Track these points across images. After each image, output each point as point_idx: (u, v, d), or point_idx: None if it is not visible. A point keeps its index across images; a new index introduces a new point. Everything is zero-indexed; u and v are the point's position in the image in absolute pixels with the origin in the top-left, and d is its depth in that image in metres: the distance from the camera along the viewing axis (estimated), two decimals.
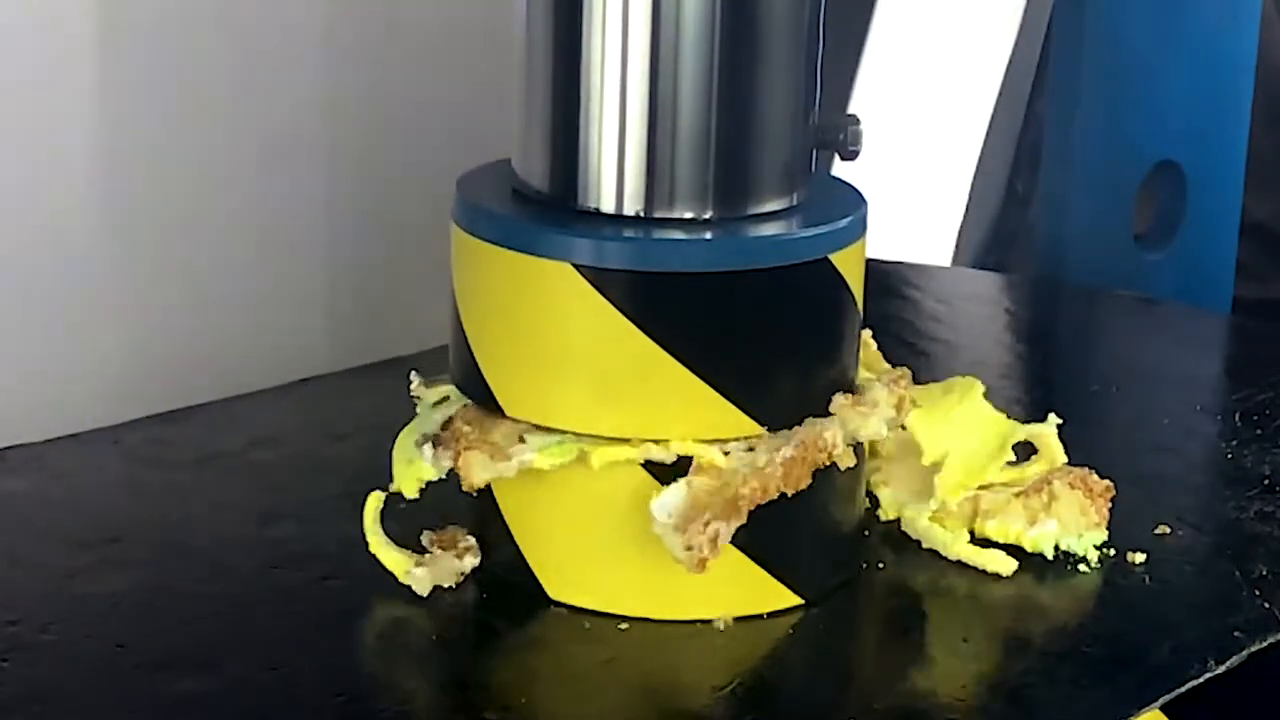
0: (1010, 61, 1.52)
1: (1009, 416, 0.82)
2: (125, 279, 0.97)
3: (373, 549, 0.75)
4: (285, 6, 1.00)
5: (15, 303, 0.94)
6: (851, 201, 0.77)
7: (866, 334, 0.81)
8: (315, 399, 0.94)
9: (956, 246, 1.55)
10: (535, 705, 0.69)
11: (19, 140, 0.92)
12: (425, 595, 0.74)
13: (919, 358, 1.02)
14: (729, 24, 0.71)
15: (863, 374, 0.78)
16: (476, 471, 0.72)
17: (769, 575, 0.73)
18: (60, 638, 0.71)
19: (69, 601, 0.74)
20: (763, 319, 0.72)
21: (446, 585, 0.75)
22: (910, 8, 1.52)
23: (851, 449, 0.74)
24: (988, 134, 1.53)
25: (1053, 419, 0.82)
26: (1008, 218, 1.56)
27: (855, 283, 0.75)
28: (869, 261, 0.77)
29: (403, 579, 0.75)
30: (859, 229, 0.75)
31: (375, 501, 0.76)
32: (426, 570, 0.74)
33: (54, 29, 0.92)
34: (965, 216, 1.55)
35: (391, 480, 0.77)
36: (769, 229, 0.73)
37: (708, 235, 0.73)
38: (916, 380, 0.78)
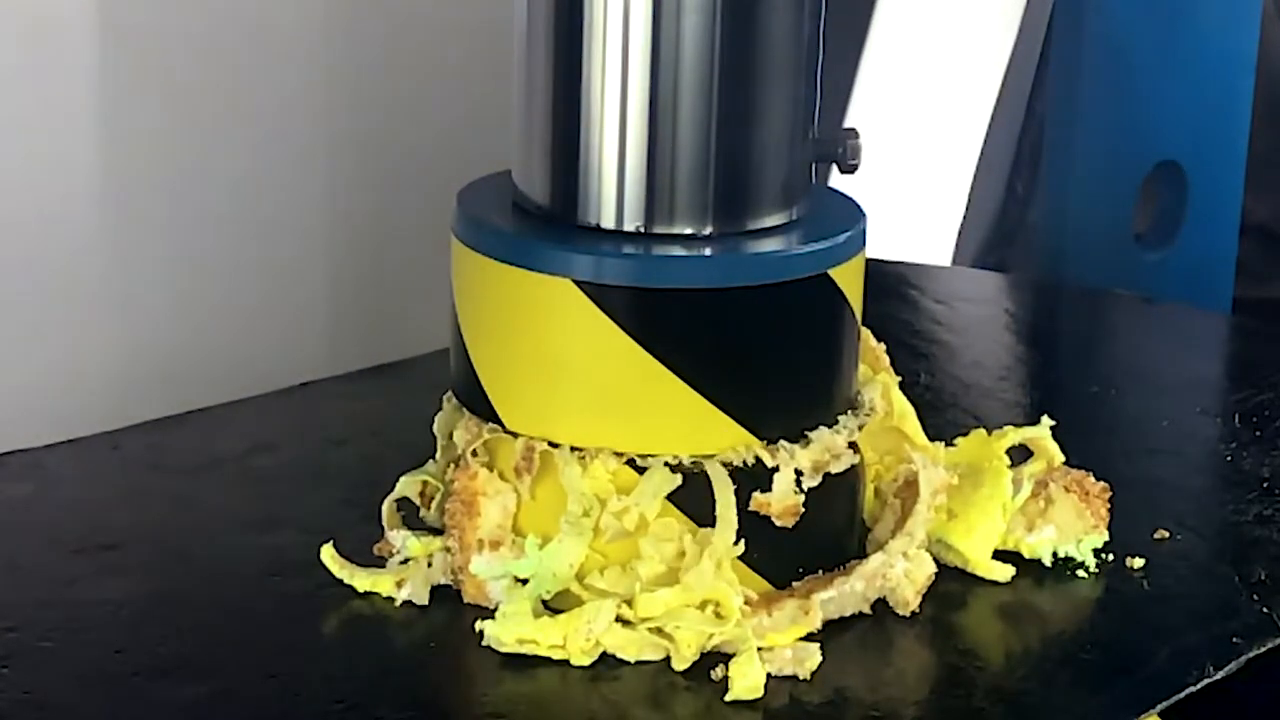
0: (1010, 61, 1.52)
1: (1009, 419, 0.82)
2: (124, 284, 0.97)
3: (358, 587, 0.75)
4: (288, 12, 1.00)
5: (14, 307, 0.94)
6: (850, 215, 0.77)
7: (866, 332, 0.81)
8: (314, 403, 0.94)
9: (956, 246, 1.55)
10: (536, 708, 0.69)
11: (18, 144, 0.93)
12: (426, 603, 0.75)
13: (919, 359, 1.02)
14: (729, 39, 0.71)
15: (863, 370, 0.79)
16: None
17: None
18: (59, 644, 0.71)
19: (68, 608, 0.74)
20: (762, 334, 0.72)
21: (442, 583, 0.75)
22: (911, 7, 1.52)
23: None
24: (988, 134, 1.53)
25: (1046, 421, 0.83)
26: (1008, 218, 1.56)
27: (854, 297, 0.75)
28: (869, 261, 0.77)
29: (398, 596, 0.75)
30: (858, 243, 0.75)
31: (330, 553, 0.76)
32: (410, 582, 0.75)
33: (55, 32, 0.92)
34: (965, 216, 1.54)
35: (391, 490, 0.78)
36: (768, 245, 0.73)
37: (707, 251, 0.73)
38: (916, 381, 0.78)
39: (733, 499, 0.72)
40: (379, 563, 0.77)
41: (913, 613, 0.75)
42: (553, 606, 0.73)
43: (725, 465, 0.72)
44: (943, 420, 0.90)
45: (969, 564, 0.78)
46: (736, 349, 0.72)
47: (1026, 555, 0.79)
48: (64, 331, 0.95)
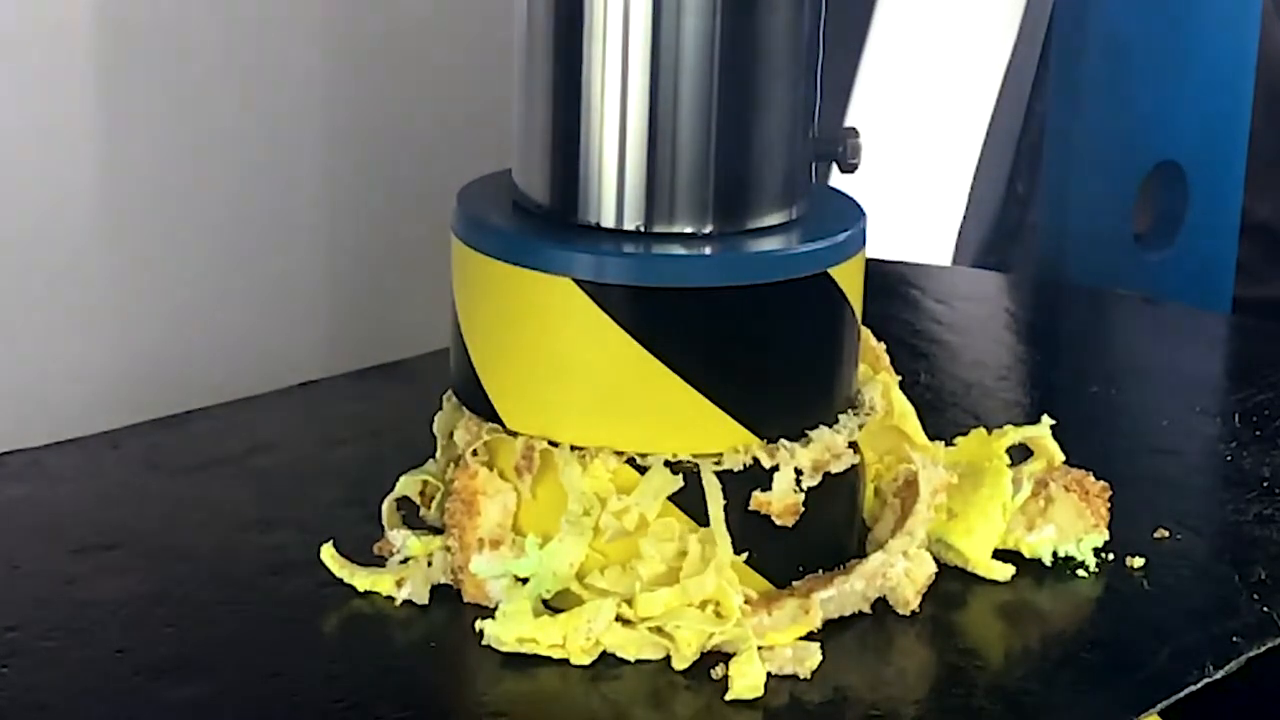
0: (1010, 61, 1.52)
1: (1009, 418, 0.82)
2: (124, 284, 0.97)
3: (359, 586, 0.75)
4: (286, 13, 1.00)
5: (14, 307, 0.94)
6: (850, 214, 0.77)
7: (866, 332, 0.81)
8: (314, 403, 0.94)
9: (956, 246, 1.55)
10: (536, 708, 0.69)
11: (17, 144, 0.93)
12: (426, 603, 0.75)
13: (919, 359, 1.02)
14: (729, 38, 0.71)
15: (863, 369, 0.79)
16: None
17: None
18: (59, 644, 0.71)
19: (68, 607, 0.74)
20: (762, 333, 0.72)
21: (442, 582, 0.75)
22: (911, 7, 1.52)
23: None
24: (988, 134, 1.53)
25: (1046, 420, 0.83)
26: (1008, 218, 1.56)
27: (854, 296, 0.75)
28: (869, 261, 0.77)
29: (398, 596, 0.75)
30: (858, 242, 0.75)
31: (330, 553, 0.76)
32: (410, 582, 0.75)
33: (53, 33, 0.92)
34: (965, 216, 1.55)
35: (391, 490, 0.78)
36: (768, 244, 0.73)
37: (707, 250, 0.73)
38: (916, 381, 0.78)
39: (722, 515, 0.72)
40: (379, 562, 0.77)
41: (913, 612, 0.75)
42: (553, 606, 0.73)
43: (722, 472, 0.72)
44: (943, 420, 0.90)
45: (969, 563, 0.78)
46: (736, 348, 0.72)
47: (1026, 555, 0.79)
48: (64, 332, 0.95)
